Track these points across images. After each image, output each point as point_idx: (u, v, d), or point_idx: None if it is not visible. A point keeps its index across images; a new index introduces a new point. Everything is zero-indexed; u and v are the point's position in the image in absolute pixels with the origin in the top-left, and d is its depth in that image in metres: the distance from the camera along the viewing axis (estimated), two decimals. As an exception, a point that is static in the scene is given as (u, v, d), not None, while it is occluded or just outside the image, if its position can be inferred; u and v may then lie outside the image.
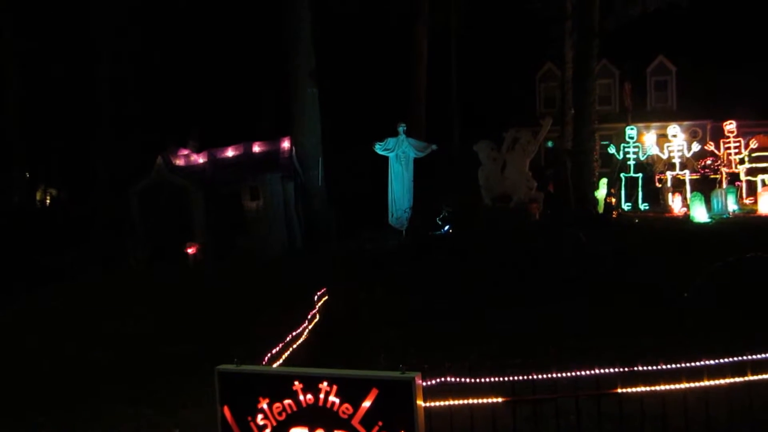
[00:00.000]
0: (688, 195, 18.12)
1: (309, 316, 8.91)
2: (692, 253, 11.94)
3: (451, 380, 4.53)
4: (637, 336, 7.78)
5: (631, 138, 21.13)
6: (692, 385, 4.44)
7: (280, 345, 6.77)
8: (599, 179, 19.51)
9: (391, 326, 9.38)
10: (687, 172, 21.02)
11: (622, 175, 20.93)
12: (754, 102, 31.91)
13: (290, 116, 16.95)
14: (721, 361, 4.56)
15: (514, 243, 12.61)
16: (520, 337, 8.15)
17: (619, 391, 4.47)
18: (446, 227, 15.05)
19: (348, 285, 11.37)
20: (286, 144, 16.04)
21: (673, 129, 21.70)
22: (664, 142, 22.21)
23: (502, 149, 15.57)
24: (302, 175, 16.63)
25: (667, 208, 19.29)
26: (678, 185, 20.84)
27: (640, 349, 6.62)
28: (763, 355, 4.55)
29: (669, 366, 4.51)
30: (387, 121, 18.14)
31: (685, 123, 31.67)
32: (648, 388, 4.46)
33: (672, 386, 4.45)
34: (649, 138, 24.81)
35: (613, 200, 18.34)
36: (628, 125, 24.33)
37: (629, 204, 20.63)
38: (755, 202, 18.69)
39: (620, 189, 20.86)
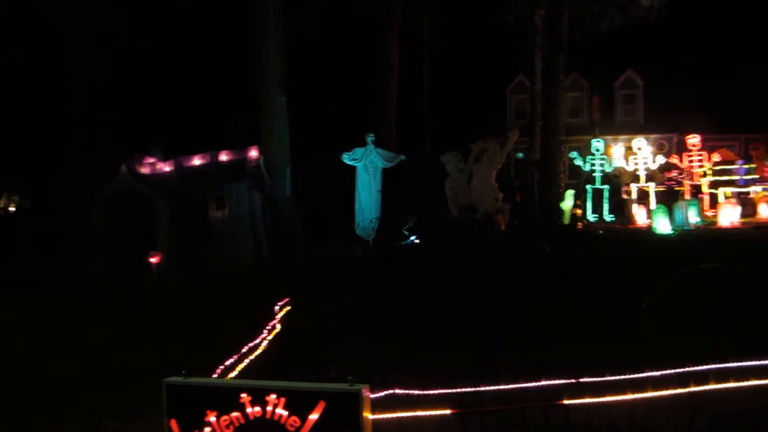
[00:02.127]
0: (653, 207, 18.40)
1: (269, 327, 8.86)
2: (653, 265, 12.10)
3: (399, 392, 4.54)
4: (595, 347, 7.85)
5: (597, 150, 21.45)
6: (637, 396, 4.50)
7: (235, 357, 6.71)
8: (566, 190, 19.73)
9: (356, 337, 9.34)
10: (652, 184, 21.38)
11: (588, 186, 21.21)
12: (719, 116, 32.58)
13: (258, 125, 16.88)
14: (665, 372, 4.64)
15: (479, 254, 12.67)
16: (483, 348, 8.17)
17: (566, 402, 4.51)
18: (412, 238, 15.10)
19: (313, 295, 11.34)
20: (253, 153, 15.96)
21: (639, 142, 22.07)
22: (631, 154, 22.57)
23: (469, 160, 15.67)
24: (270, 184, 16.55)
25: (631, 220, 19.58)
26: (643, 197, 21.19)
27: (596, 360, 6.68)
28: (705, 367, 4.63)
29: (615, 377, 4.56)
30: (357, 131, 18.16)
31: (652, 136, 32.24)
32: (594, 399, 4.51)
33: (618, 397, 4.51)
34: (617, 150, 25.18)
35: (579, 211, 18.56)
36: (595, 137, 24.69)
37: (596, 215, 20.90)
38: (717, 214, 19.04)
39: (586, 200, 21.13)
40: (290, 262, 14.53)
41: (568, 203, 18.81)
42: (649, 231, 17.37)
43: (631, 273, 11.68)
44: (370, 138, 16.63)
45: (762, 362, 4.82)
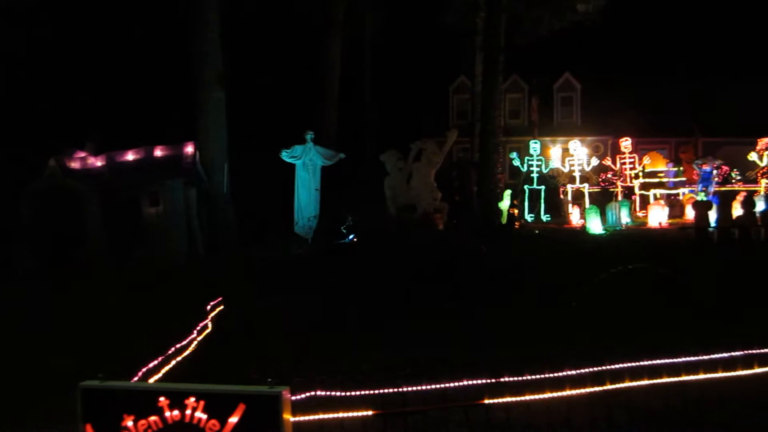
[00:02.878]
0: (587, 207, 18.91)
1: (199, 328, 8.69)
2: (584, 264, 12.46)
3: (321, 394, 4.52)
4: (524, 346, 7.99)
5: (535, 151, 21.90)
6: (555, 394, 4.61)
7: (160, 359, 6.56)
8: (504, 190, 20.08)
9: (289, 337, 9.27)
10: (586, 185, 22.00)
11: (525, 187, 21.65)
12: (652, 120, 33.68)
13: (195, 121, 16.55)
14: (582, 371, 4.76)
15: (415, 253, 12.75)
16: (413, 347, 8.21)
17: (487, 402, 4.58)
18: (350, 236, 15.10)
19: (246, 294, 11.20)
20: (189, 149, 15.63)
21: (574, 144, 22.68)
22: (568, 156, 23.17)
23: (408, 160, 15.75)
24: (206, 181, 16.25)
25: (567, 220, 20.10)
26: (578, 198, 21.78)
27: (522, 359, 6.80)
28: (621, 365, 4.78)
29: (534, 377, 4.66)
30: (298, 128, 18.05)
31: (589, 138, 33.09)
32: (514, 399, 4.60)
33: (536, 396, 4.61)
34: (555, 152, 25.79)
35: (516, 211, 18.92)
36: (534, 139, 25.21)
37: (532, 215, 21.36)
38: (647, 215, 19.72)
39: (524, 200, 21.57)
40: (226, 260, 14.31)
41: (505, 203, 19.15)
42: (582, 231, 17.88)
43: (563, 272, 11.99)
44: (309, 136, 16.55)
45: (674, 360, 5.00)
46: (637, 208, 21.73)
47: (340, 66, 21.74)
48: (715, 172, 22.16)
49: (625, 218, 19.11)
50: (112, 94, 21.41)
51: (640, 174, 22.60)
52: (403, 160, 15.67)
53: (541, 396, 4.59)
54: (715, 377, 4.87)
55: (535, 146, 21.88)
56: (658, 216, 18.55)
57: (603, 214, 18.35)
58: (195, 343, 8.32)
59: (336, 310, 10.16)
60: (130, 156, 15.81)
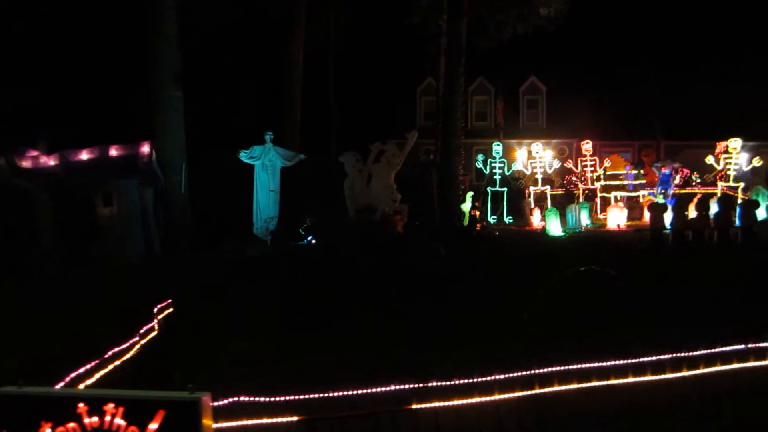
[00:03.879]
0: (547, 210, 19.02)
1: (143, 331, 8.52)
2: (540, 265, 12.51)
3: (245, 400, 4.43)
4: (472, 348, 7.94)
5: (497, 154, 21.99)
6: (484, 399, 4.58)
7: (94, 363, 6.40)
8: (467, 192, 20.12)
9: (239, 340, 9.12)
10: (548, 187, 22.18)
11: (489, 189, 21.74)
12: (616, 123, 34.14)
13: (151, 120, 16.28)
14: (511, 375, 4.74)
15: (371, 255, 12.69)
16: (360, 350, 8.12)
17: (414, 407, 4.53)
18: (309, 238, 14.98)
19: (199, 296, 11.03)
20: (145, 148, 15.37)
21: (536, 146, 22.84)
22: (532, 158, 23.30)
23: (368, 161, 15.67)
24: (163, 181, 16.00)
25: (528, 222, 20.21)
26: (542, 200, 21.95)
27: (465, 362, 6.76)
28: (550, 369, 4.77)
29: (462, 381, 4.62)
30: (260, 128, 17.87)
31: (554, 141, 33.46)
32: (442, 404, 4.55)
33: (465, 401, 4.57)
34: (522, 154, 25.96)
35: (478, 213, 18.97)
36: (499, 141, 25.35)
37: (495, 217, 21.45)
38: (606, 217, 19.94)
39: (486, 202, 21.65)
40: (181, 262, 14.07)
41: (467, 205, 19.19)
42: (542, 233, 17.98)
43: (519, 274, 12.02)
44: (268, 136, 16.40)
45: (601, 364, 5.01)
46: (598, 211, 21.96)
47: (302, 66, 21.57)
48: (674, 174, 22.53)
49: (585, 220, 19.29)
50: (67, 92, 20.95)
51: (602, 176, 22.85)
52: (362, 162, 15.59)
53: (471, 400, 4.56)
54: (644, 380, 4.89)
55: (497, 148, 21.98)
56: (616, 218, 18.75)
57: (564, 217, 18.52)
58: (138, 347, 8.17)
59: (287, 312, 10.03)
60: (85, 155, 15.50)
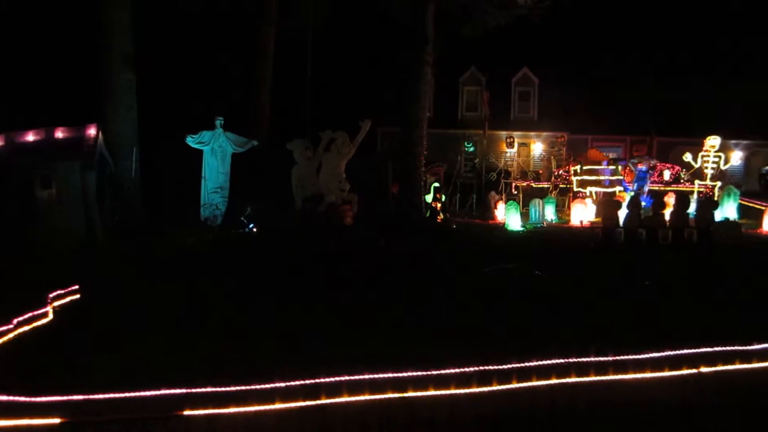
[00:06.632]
0: (506, 204, 18.60)
1: (23, 318, 8.28)
2: (481, 260, 12.18)
3: (3, 399, 4.15)
4: (369, 346, 7.52)
5: (468, 146, 21.58)
6: (263, 408, 4.27)
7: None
8: (432, 183, 19.73)
9: (127, 333, 8.71)
10: (513, 181, 21.75)
11: (458, 181, 21.37)
12: (609, 117, 33.54)
13: (101, 102, 16.05)
14: (292, 383, 4.42)
15: (305, 246, 12.38)
16: (262, 346, 7.73)
17: (186, 413, 4.24)
18: (250, 226, 14.70)
19: (115, 282, 10.78)
20: (92, 131, 15.10)
21: (509, 139, 22.37)
22: (525, 150, 22.94)
23: (318, 149, 15.33)
24: (113, 165, 15.78)
25: (492, 215, 19.79)
26: (530, 194, 21.54)
27: (352, 360, 6.33)
28: (336, 378, 4.44)
29: (241, 388, 4.31)
30: (230, 116, 17.60)
31: (544, 133, 32.90)
32: (217, 411, 4.25)
33: (241, 408, 4.26)
34: (511, 146, 25.51)
35: (439, 205, 18.58)
36: (486, 132, 24.96)
37: (464, 209, 21.09)
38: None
39: (455, 194, 21.27)
40: (122, 247, 13.85)
41: (429, 197, 18.83)
42: (502, 226, 17.58)
43: (447, 269, 11.69)
44: (218, 122, 16.13)
45: (464, 370, 4.65)
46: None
47: (273, 54, 21.18)
48: (651, 171, 21.99)
49: (550, 215, 18.86)
50: (17, 73, 20.70)
51: (578, 170, 22.36)
52: (311, 150, 15.25)
53: (247, 408, 4.26)
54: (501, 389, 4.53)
55: (467, 143, 21.58)
56: (580, 214, 18.27)
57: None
58: (15, 332, 7.95)
59: (195, 304, 9.72)
60: (31, 137, 15.27)
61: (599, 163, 22.47)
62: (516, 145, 28.86)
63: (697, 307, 8.57)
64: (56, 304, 9.28)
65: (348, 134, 15.51)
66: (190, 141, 15.75)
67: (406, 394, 4.46)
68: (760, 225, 16.97)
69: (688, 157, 21.24)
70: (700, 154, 21.01)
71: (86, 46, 17.34)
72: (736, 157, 26.74)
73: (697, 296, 9.15)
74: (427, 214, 18.27)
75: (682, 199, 14.84)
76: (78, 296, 9.91)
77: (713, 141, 20.58)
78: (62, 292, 9.57)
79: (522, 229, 17.01)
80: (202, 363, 5.76)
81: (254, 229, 14.50)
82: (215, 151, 15.93)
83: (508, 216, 17.30)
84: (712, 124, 25.18)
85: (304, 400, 4.36)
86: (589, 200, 19.65)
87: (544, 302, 8.96)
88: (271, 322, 8.54)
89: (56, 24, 20.85)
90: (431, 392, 4.49)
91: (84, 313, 9.31)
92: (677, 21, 35.80)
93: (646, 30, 35.81)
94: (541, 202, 18.63)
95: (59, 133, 15.25)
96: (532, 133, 32.64)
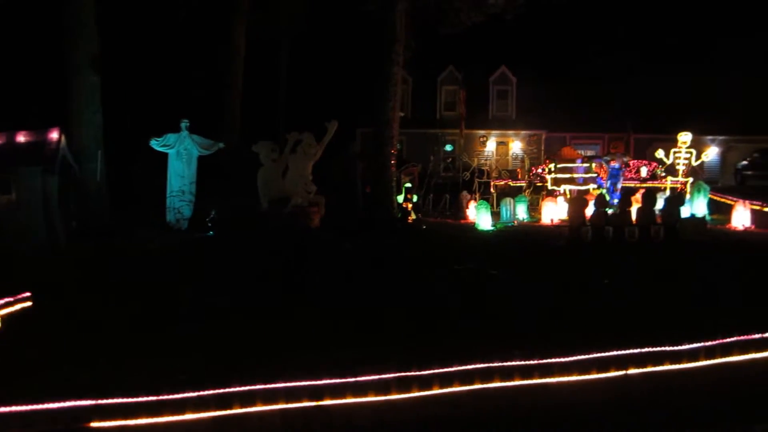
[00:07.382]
0: (476, 203, 18.55)
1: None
2: (446, 261, 12.12)
3: None
4: (314, 352, 7.41)
5: (444, 146, 21.53)
6: (173, 419, 4.18)
7: None
8: (405, 183, 19.65)
9: (77, 339, 8.53)
10: (488, 180, 21.72)
11: (432, 181, 21.30)
12: (587, 115, 33.61)
13: (66, 105, 15.86)
14: (204, 393, 4.33)
15: (266, 249, 12.29)
16: (215, 351, 7.59)
17: (94, 425, 4.14)
18: (213, 230, 14.59)
19: (70, 289, 10.63)
20: (54, 135, 14.88)
21: (482, 137, 22.33)
22: (503, 149, 22.91)
23: (285, 151, 15.23)
24: (77, 169, 15.59)
25: (464, 215, 19.75)
26: (508, 193, 21.51)
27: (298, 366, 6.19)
28: (250, 387, 4.35)
29: (152, 398, 4.22)
30: (200, 117, 17.45)
31: (523, 132, 32.96)
32: (125, 422, 4.16)
33: (152, 419, 4.17)
34: (491, 145, 25.52)
35: (410, 206, 18.51)
36: (462, 131, 24.91)
37: (437, 209, 21.04)
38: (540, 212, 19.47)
39: (429, 194, 21.21)
40: (80, 252, 13.68)
41: (401, 197, 18.75)
42: (472, 226, 17.54)
43: (411, 271, 11.61)
44: (184, 124, 15.98)
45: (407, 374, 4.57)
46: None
47: (244, 54, 21.04)
48: (624, 168, 22.01)
49: (521, 214, 18.84)
50: None
51: (552, 169, 22.38)
52: (277, 152, 15.15)
53: (158, 420, 4.16)
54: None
55: (446, 143, 21.54)
56: (551, 213, 18.26)
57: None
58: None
59: (149, 309, 9.58)
60: (-8, 141, 15.05)
61: (573, 161, 22.50)
62: (490, 143, 28.87)
63: (649, 306, 8.55)
64: (3, 312, 9.13)
65: (317, 136, 15.42)
66: (155, 144, 15.59)
67: (322, 402, 4.38)
68: (728, 220, 17.03)
69: (660, 153, 21.30)
70: (672, 150, 21.07)
71: (50, 48, 17.13)
72: (713, 153, 26.90)
73: (651, 295, 9.13)
74: (399, 215, 18.19)
75: (649, 196, 14.85)
76: (29, 303, 9.78)
77: (685, 137, 20.65)
78: (11, 299, 9.43)
79: (492, 228, 16.97)
80: (120, 374, 5.63)
81: (214, 234, 14.36)
82: (181, 154, 15.78)
83: (479, 216, 17.26)
84: (688, 121, 25.30)
85: (215, 410, 4.27)
86: (560, 198, 19.62)
87: (494, 303, 8.89)
88: (209, 330, 8.30)
89: (18, 26, 20.60)
90: (349, 400, 4.41)
91: (31, 322, 9.16)
92: (656, 18, 35.95)
93: (624, 28, 35.91)
94: (512, 201, 18.61)
95: (21, 138, 15.02)
96: (511, 132, 32.69)
